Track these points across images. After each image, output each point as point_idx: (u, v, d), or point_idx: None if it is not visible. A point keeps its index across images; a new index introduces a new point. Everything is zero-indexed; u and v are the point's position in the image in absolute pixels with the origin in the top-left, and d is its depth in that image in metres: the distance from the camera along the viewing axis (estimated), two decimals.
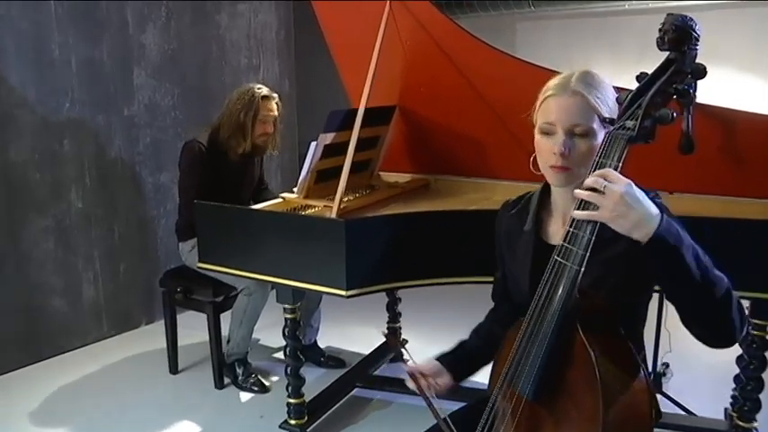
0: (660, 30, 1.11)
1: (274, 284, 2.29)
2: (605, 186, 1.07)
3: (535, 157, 1.32)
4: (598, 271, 1.23)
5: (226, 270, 2.34)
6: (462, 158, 2.71)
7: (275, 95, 2.91)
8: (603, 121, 1.19)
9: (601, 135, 1.23)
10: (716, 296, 1.11)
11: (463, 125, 2.59)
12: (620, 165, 1.10)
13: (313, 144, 2.41)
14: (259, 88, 2.85)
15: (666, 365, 2.82)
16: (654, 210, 1.09)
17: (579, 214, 1.11)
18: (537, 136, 1.30)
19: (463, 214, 2.20)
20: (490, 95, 2.43)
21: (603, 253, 1.21)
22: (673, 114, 1.09)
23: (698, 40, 1.11)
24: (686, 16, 1.10)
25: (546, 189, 1.41)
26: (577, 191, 1.11)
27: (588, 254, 1.12)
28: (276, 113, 2.90)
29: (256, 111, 2.82)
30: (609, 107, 1.24)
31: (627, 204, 1.06)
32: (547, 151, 1.27)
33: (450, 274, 2.17)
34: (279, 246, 2.18)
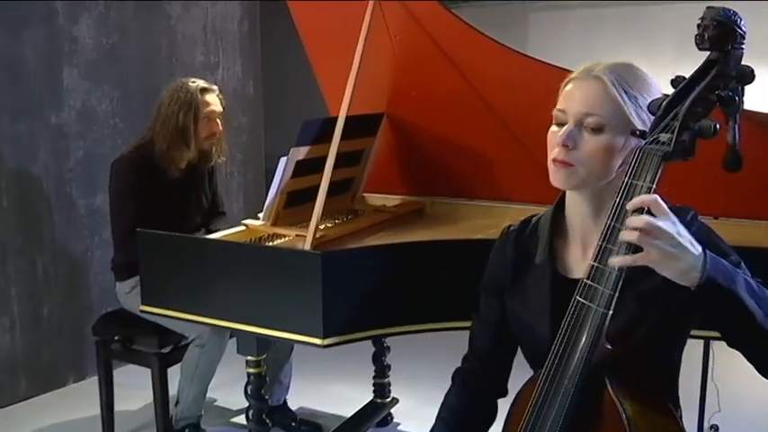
0: (699, 25, 1.13)
1: (234, 332, 2.28)
2: (652, 224, 1.07)
3: None
4: (630, 311, 1.24)
5: (174, 314, 2.32)
6: (464, 177, 2.73)
7: (215, 87, 2.92)
8: (633, 133, 1.20)
9: (620, 140, 1.25)
10: None
11: (465, 136, 2.61)
12: (654, 186, 1.11)
13: (283, 160, 2.42)
14: (193, 81, 2.87)
15: (716, 429, 2.82)
16: (697, 248, 1.11)
17: (618, 261, 1.11)
18: (552, 127, 1.33)
19: (466, 245, 2.21)
20: (498, 101, 2.46)
21: (635, 287, 1.22)
22: (715, 126, 1.11)
23: (744, 38, 1.13)
24: (729, 10, 1.12)
25: (558, 209, 1.42)
26: (625, 234, 1.09)
27: (617, 293, 1.13)
28: (221, 108, 2.91)
29: (197, 108, 2.81)
30: (639, 106, 1.25)
31: (680, 245, 1.08)
32: (553, 143, 1.29)
33: (449, 318, 2.16)
34: (240, 284, 2.17)
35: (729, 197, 2.22)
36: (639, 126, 1.23)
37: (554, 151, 1.28)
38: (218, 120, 2.89)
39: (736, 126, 1.21)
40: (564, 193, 1.40)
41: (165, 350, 2.82)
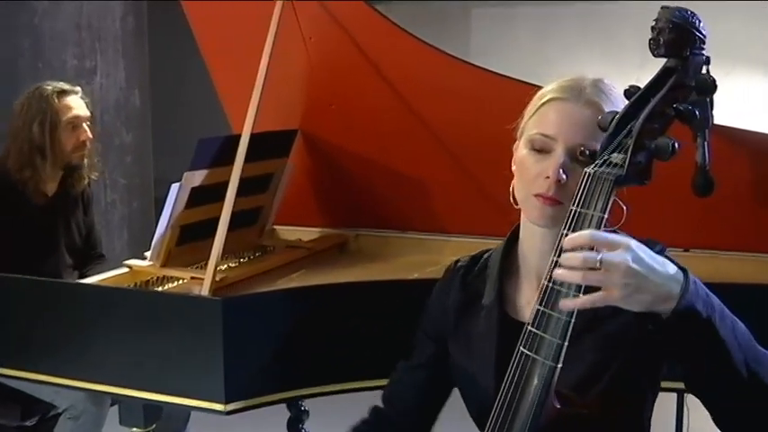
0: (653, 28, 1.18)
1: (115, 398, 2.24)
2: (601, 260, 1.08)
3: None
4: (588, 360, 1.27)
5: (37, 378, 2.27)
6: (395, 205, 2.76)
7: (77, 88, 2.90)
8: (582, 153, 1.24)
9: None
10: (764, 383, 1.16)
11: (396, 157, 2.65)
12: (606, 216, 1.15)
13: (175, 187, 2.40)
14: (48, 84, 2.85)
15: None
16: (670, 267, 1.13)
17: (571, 304, 1.12)
18: (522, 152, 1.35)
19: (399, 287, 2.24)
20: (435, 116, 2.51)
21: (598, 330, 1.25)
22: (674, 145, 1.15)
23: (704, 42, 1.19)
24: (687, 10, 1.17)
25: (510, 243, 1.45)
26: (566, 274, 1.10)
27: (567, 343, 1.16)
28: (87, 112, 2.88)
29: (54, 115, 2.78)
30: None
31: (639, 273, 1.08)
32: (533, 174, 1.31)
33: (379, 375, 2.15)
34: (121, 339, 2.14)
35: (701, 226, 2.30)
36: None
37: (540, 185, 1.30)
38: (85, 126, 2.86)
39: (706, 144, 1.26)
40: (518, 225, 1.43)
41: (30, 423, 2.76)
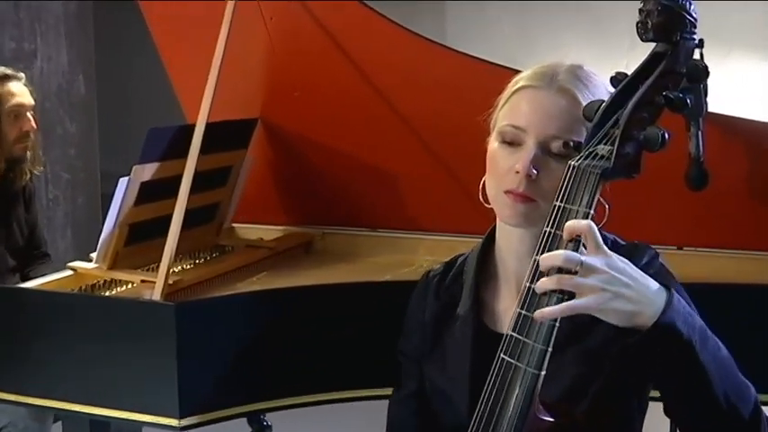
0: (641, 10, 1.20)
1: (59, 414, 2.24)
2: (582, 263, 1.10)
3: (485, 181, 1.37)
4: (572, 374, 1.28)
5: None
6: (365, 201, 2.77)
7: (21, 74, 2.90)
8: (566, 144, 1.26)
9: None
10: (742, 416, 1.18)
11: (365, 149, 2.65)
12: (592, 212, 1.16)
13: (123, 181, 2.39)
14: None
15: None
16: (652, 282, 1.15)
17: (549, 312, 1.12)
18: (493, 145, 1.36)
19: (369, 289, 2.23)
20: (408, 105, 2.51)
21: (579, 343, 1.26)
22: (664, 135, 1.17)
23: (695, 26, 1.20)
24: None
25: (487, 246, 1.46)
26: (542, 283, 1.12)
27: (551, 349, 1.17)
28: (31, 100, 2.87)
29: None
30: None
31: (618, 281, 1.11)
32: (504, 168, 1.32)
33: (348, 386, 2.18)
34: (65, 349, 2.13)
35: (695, 222, 2.32)
36: None
37: (510, 181, 1.30)
38: (29, 115, 2.84)
39: (700, 133, 1.28)
40: (495, 226, 1.44)
41: None
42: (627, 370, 1.27)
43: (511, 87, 1.37)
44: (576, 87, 1.31)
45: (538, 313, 1.13)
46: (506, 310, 1.40)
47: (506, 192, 1.31)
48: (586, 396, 1.30)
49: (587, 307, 1.11)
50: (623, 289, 1.11)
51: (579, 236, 1.13)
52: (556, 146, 1.29)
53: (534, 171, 1.28)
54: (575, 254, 1.11)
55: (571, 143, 1.25)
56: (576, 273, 1.11)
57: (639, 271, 1.15)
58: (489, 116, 1.41)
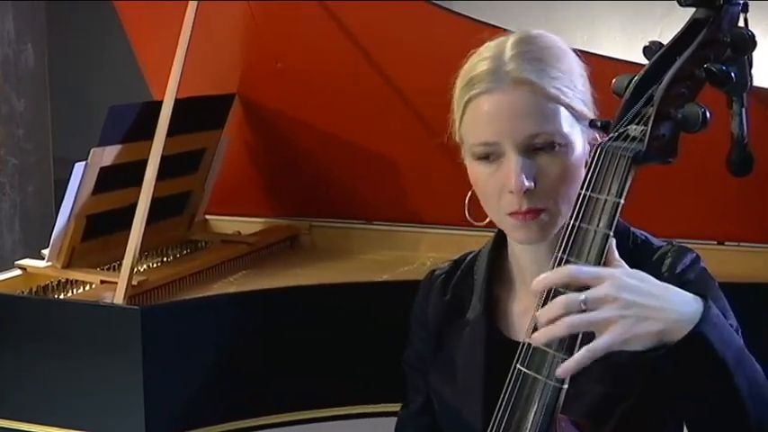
0: None
1: None
2: (585, 300, 1.09)
3: (475, 196, 1.37)
4: (594, 394, 1.29)
5: None
6: (359, 189, 2.77)
7: None
8: (594, 125, 1.25)
9: (581, 138, 1.31)
10: None
11: (359, 131, 2.65)
12: (622, 201, 1.16)
13: (79, 167, 2.39)
14: None
15: None
16: (677, 293, 1.14)
17: (565, 368, 1.11)
18: (471, 165, 1.35)
19: (364, 290, 2.25)
20: (411, 81, 2.51)
21: (600, 361, 1.26)
22: (704, 114, 1.16)
23: None
24: None
25: (499, 244, 1.47)
26: (546, 331, 1.11)
27: None
28: None
29: None
30: (579, 90, 1.31)
31: (635, 302, 1.09)
32: (495, 190, 1.32)
33: (339, 402, 2.19)
34: (14, 361, 2.14)
35: (738, 213, 2.33)
36: (589, 114, 1.30)
37: (509, 203, 1.30)
38: None
39: (744, 111, 1.28)
40: None
41: None
42: (659, 390, 1.28)
43: (459, 98, 1.36)
44: (531, 71, 1.29)
45: (559, 370, 1.13)
46: (523, 313, 1.40)
47: (511, 215, 1.31)
48: (613, 416, 1.30)
49: (611, 344, 1.09)
50: (645, 310, 1.10)
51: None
52: (540, 141, 1.28)
53: (529, 183, 1.27)
54: (572, 296, 1.10)
55: (598, 123, 1.24)
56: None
57: (658, 282, 1.15)
58: (449, 128, 1.41)
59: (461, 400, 1.43)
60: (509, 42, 1.33)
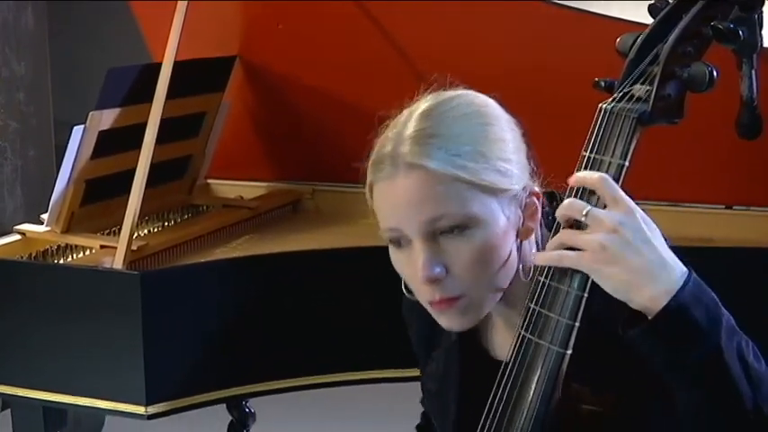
0: None
1: (7, 400, 2.25)
2: (587, 212, 1.10)
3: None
4: (598, 361, 1.28)
5: None
6: (363, 152, 2.71)
7: None
8: (596, 85, 1.24)
9: (497, 216, 1.24)
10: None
11: (364, 92, 2.62)
12: (627, 164, 1.15)
13: (78, 130, 2.39)
14: None
15: None
16: (669, 257, 1.11)
17: (538, 257, 1.16)
18: (389, 248, 1.31)
19: (367, 255, 2.23)
20: (415, 42, 2.50)
21: (602, 329, 1.25)
22: (711, 73, 1.15)
23: None
24: None
25: None
26: (547, 253, 1.14)
27: (578, 324, 1.16)
28: None
29: None
30: (494, 159, 1.24)
31: (625, 242, 1.08)
32: (410, 277, 1.28)
33: (341, 368, 2.20)
34: (14, 326, 2.15)
35: (747, 176, 2.31)
36: (509, 184, 1.25)
37: (425, 292, 1.26)
38: None
39: (753, 72, 1.27)
40: None
41: None
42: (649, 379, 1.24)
43: (369, 176, 1.30)
44: (423, 154, 1.23)
45: (535, 258, 1.19)
46: (502, 329, 1.39)
47: (429, 303, 1.28)
48: (614, 388, 1.29)
49: (578, 264, 1.11)
50: (628, 254, 1.08)
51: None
52: (443, 225, 1.23)
53: (438, 270, 1.23)
54: (580, 201, 1.11)
55: (602, 83, 1.22)
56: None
57: (662, 240, 1.12)
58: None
59: (437, 415, 1.47)
60: (414, 116, 1.28)
